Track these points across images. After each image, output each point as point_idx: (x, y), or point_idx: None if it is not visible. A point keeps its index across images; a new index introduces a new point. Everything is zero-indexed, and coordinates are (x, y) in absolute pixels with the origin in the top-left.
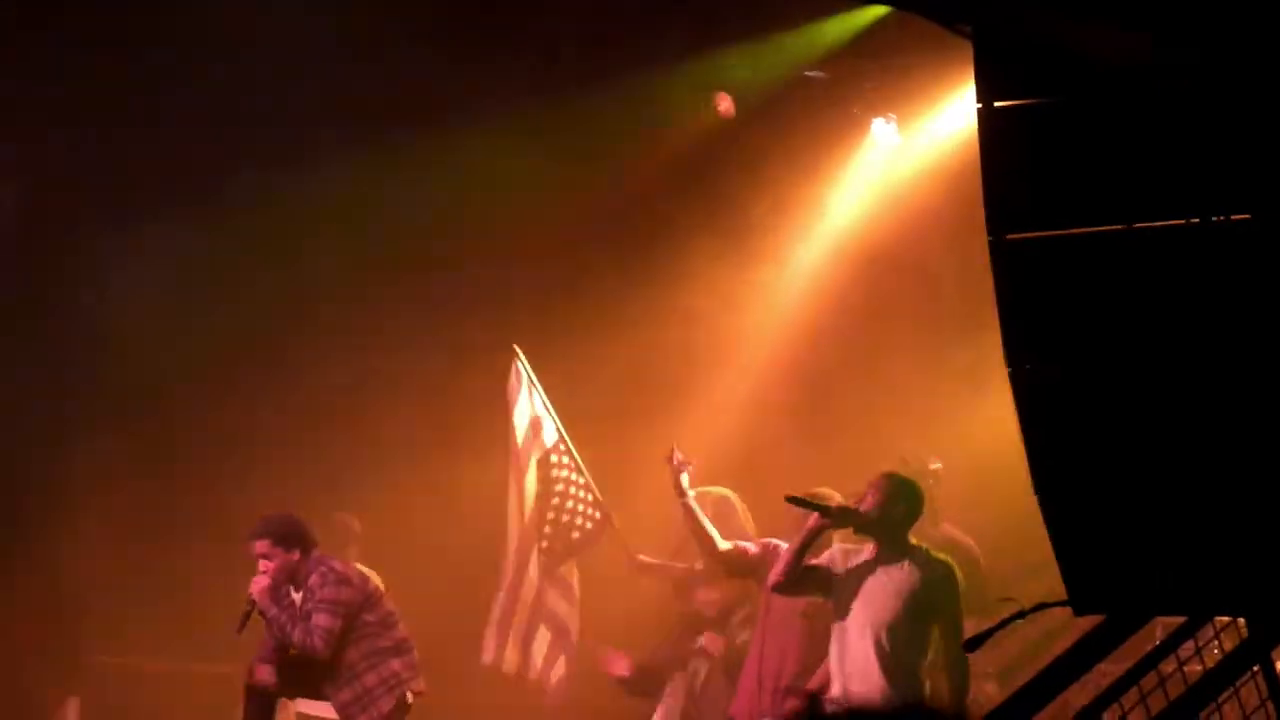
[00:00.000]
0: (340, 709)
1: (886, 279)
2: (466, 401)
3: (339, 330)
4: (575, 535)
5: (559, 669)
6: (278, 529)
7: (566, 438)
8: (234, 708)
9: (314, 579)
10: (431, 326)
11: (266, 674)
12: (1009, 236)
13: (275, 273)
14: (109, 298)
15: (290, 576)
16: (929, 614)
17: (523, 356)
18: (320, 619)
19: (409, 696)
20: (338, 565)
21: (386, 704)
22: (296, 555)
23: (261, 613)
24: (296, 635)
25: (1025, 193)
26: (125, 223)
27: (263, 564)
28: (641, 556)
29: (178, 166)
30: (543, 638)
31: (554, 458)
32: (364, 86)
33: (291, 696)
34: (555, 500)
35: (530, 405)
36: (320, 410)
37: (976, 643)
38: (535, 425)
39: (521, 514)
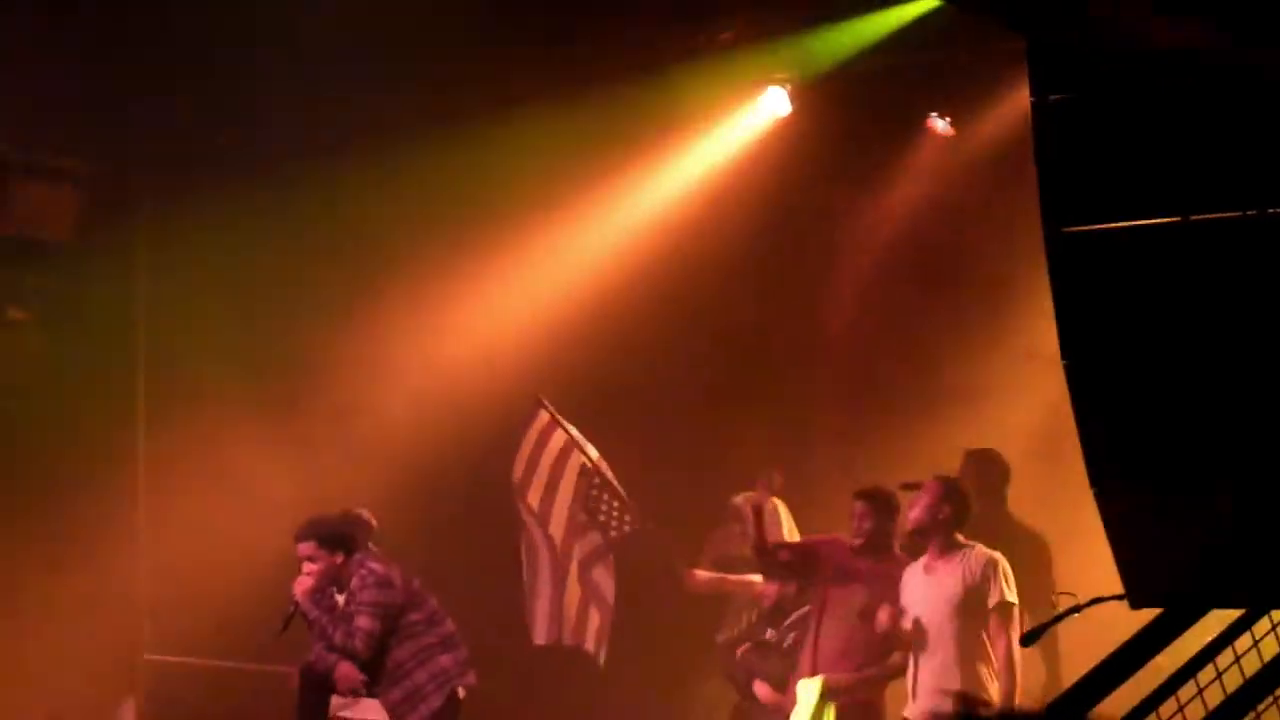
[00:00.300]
0: (390, 708)
1: (944, 273)
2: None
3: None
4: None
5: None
6: (323, 531)
7: (599, 466)
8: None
9: (355, 581)
10: None
11: (350, 671)
12: (1065, 230)
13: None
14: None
15: (334, 579)
16: (979, 610)
17: (548, 403)
18: (362, 621)
19: (460, 692)
20: (379, 567)
21: (436, 700)
22: (340, 558)
23: (304, 614)
24: (338, 637)
25: (1081, 186)
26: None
27: (307, 565)
28: (698, 572)
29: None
30: (594, 612)
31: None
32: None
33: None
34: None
35: (549, 447)
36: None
37: (1033, 637)
38: (561, 458)
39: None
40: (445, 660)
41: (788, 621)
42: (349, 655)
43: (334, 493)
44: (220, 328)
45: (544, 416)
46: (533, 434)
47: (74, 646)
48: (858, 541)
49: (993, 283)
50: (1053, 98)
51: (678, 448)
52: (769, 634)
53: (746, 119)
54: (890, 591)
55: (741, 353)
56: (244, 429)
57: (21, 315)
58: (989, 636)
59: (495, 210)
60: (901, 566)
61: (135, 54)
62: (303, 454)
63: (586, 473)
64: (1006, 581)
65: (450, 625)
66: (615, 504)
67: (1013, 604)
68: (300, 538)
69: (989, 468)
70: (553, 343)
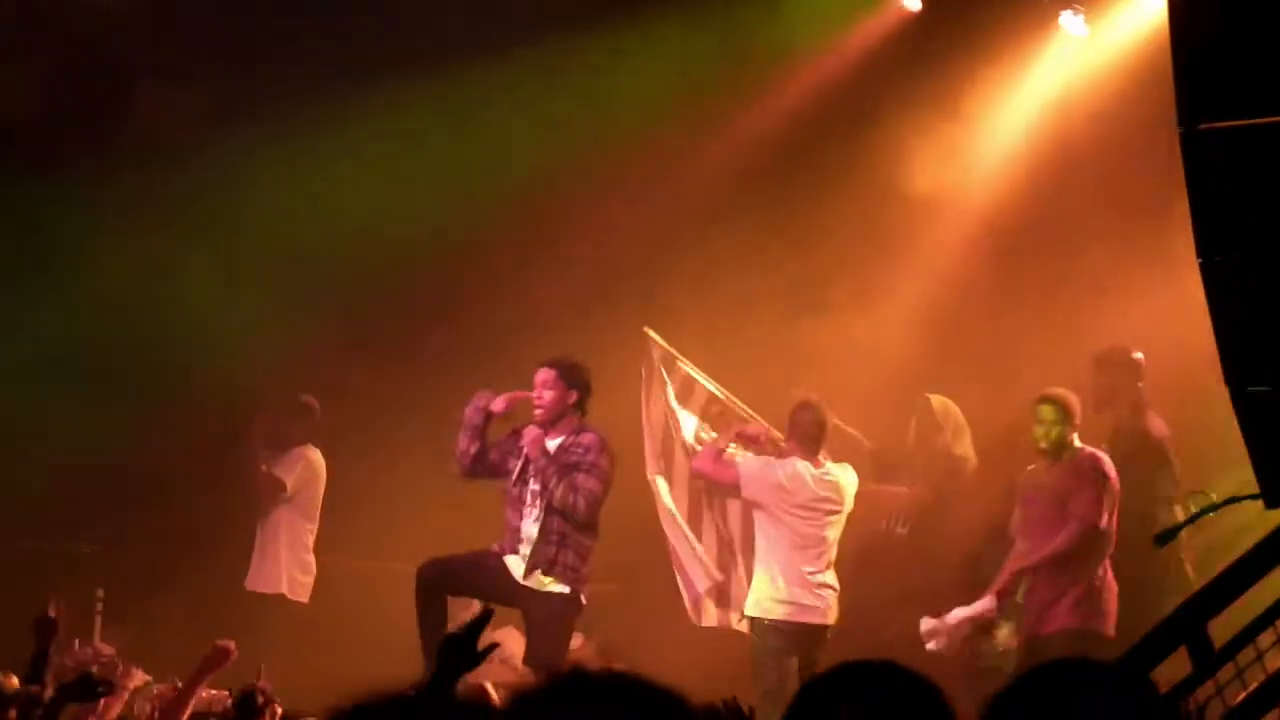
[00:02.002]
0: (529, 561)
1: (1079, 170)
2: None
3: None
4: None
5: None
6: (567, 364)
7: (719, 392)
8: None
9: (589, 438)
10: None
11: None
12: (1200, 127)
13: None
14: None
15: (555, 418)
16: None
17: (657, 337)
18: (590, 482)
19: (583, 599)
20: (605, 437)
21: (566, 583)
22: (574, 398)
23: (528, 459)
24: (560, 490)
25: (1218, 81)
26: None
27: (538, 393)
28: None
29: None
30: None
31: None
32: None
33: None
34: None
35: (671, 382)
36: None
37: (1167, 537)
38: (683, 394)
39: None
40: (582, 567)
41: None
42: (565, 511)
43: None
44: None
45: (657, 350)
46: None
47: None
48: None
49: (1127, 183)
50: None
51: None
52: None
53: (876, 15)
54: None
55: (857, 255)
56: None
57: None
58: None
59: (608, 128)
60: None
61: None
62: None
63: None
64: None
65: (596, 539)
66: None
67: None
68: (542, 363)
69: (1119, 367)
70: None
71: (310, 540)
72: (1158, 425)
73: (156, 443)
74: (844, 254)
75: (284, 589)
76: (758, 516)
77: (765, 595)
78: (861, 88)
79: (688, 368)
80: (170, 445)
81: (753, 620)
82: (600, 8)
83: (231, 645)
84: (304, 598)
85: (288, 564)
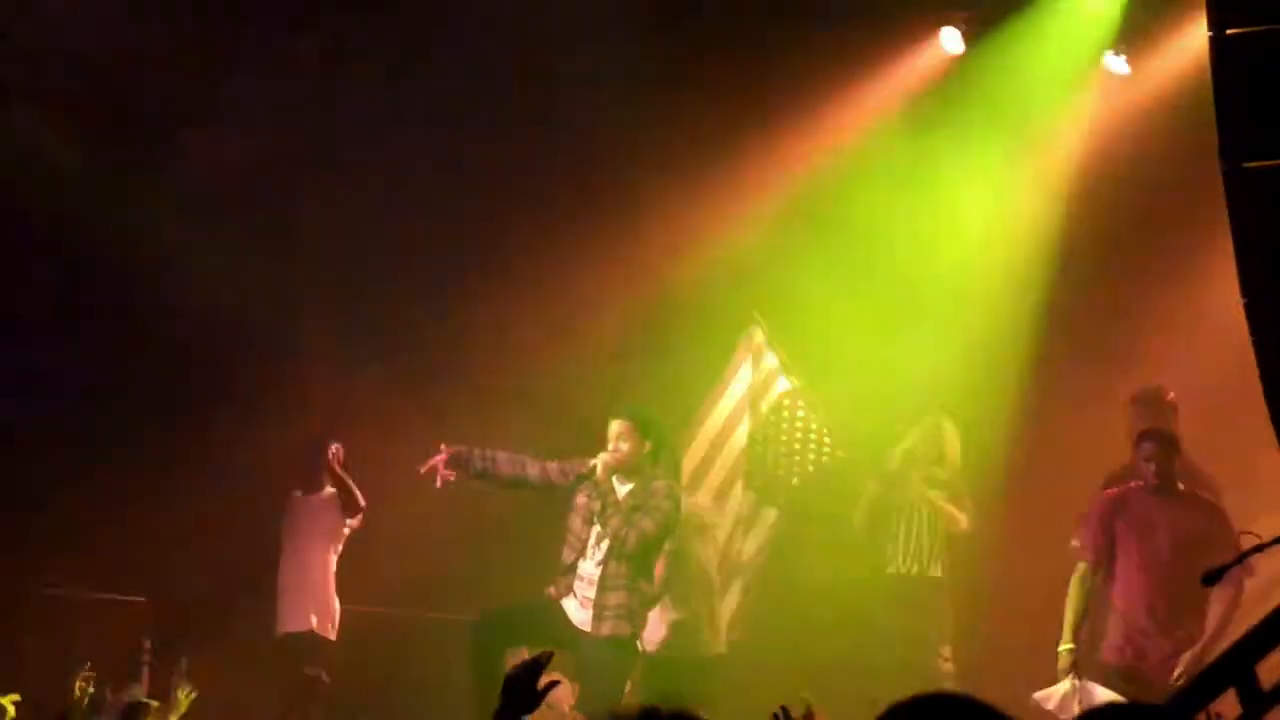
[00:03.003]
0: (596, 608)
1: (1122, 209)
2: None
3: None
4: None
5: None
6: (641, 416)
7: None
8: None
9: (658, 485)
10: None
11: None
12: (1244, 166)
13: None
14: None
15: (635, 466)
16: None
17: (761, 323)
18: (645, 521)
19: (640, 645)
20: (676, 486)
21: (625, 628)
22: (649, 447)
23: (596, 483)
24: (615, 522)
25: (1259, 121)
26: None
27: (614, 445)
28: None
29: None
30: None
31: (786, 401)
32: None
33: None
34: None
35: (755, 370)
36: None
37: (1214, 577)
38: (764, 384)
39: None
40: (641, 612)
41: None
42: (616, 545)
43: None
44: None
45: (758, 335)
46: (744, 354)
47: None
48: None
49: (1172, 222)
50: (1231, 32)
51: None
52: None
53: (920, 58)
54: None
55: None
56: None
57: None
58: None
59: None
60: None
61: None
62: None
63: (792, 395)
64: None
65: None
66: (821, 430)
67: None
68: (617, 414)
69: (1153, 406)
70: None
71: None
72: (1198, 463)
73: (198, 488)
74: (900, 284)
75: (313, 625)
76: None
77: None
78: (907, 129)
79: (774, 363)
80: (212, 491)
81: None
82: None
83: (323, 674)
84: (332, 635)
85: (315, 600)
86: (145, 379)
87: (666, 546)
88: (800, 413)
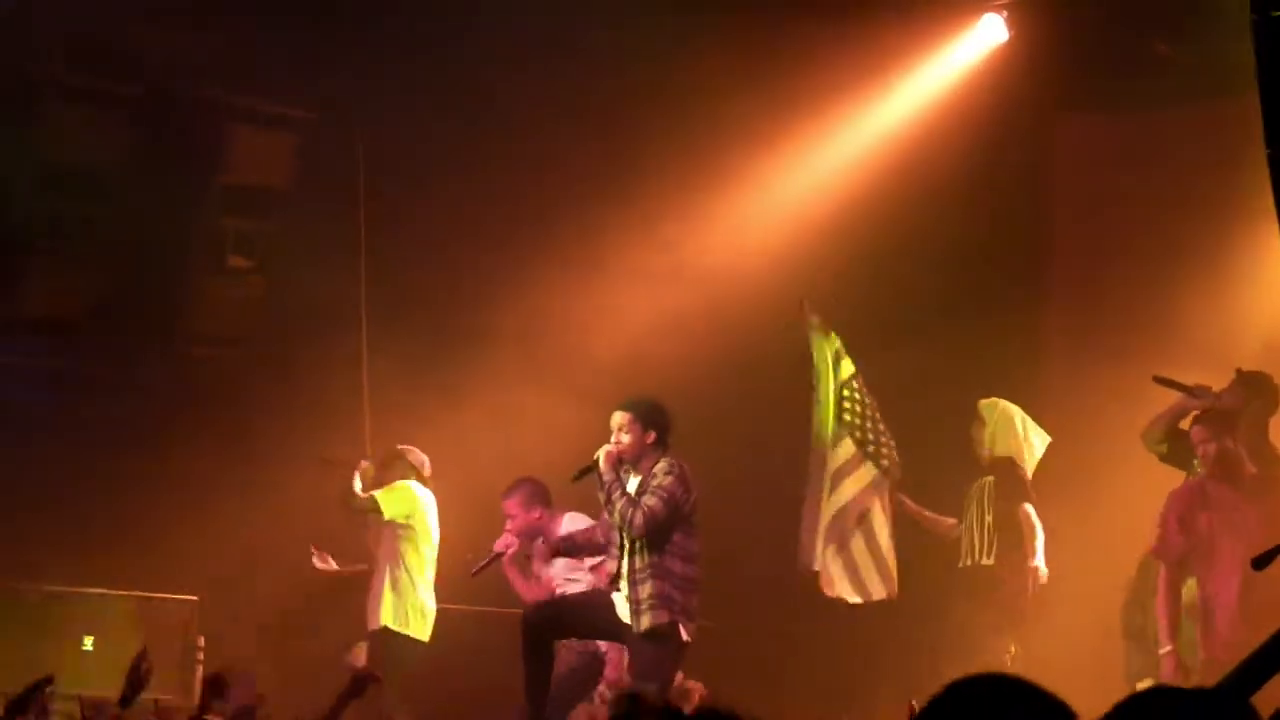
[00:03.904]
0: (633, 604)
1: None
2: None
3: None
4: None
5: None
6: (644, 408)
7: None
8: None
9: (661, 465)
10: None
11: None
12: (1274, 13)
13: None
14: None
15: (637, 456)
16: None
17: (812, 308)
18: (650, 499)
19: (684, 633)
20: (685, 465)
21: (662, 616)
22: (652, 438)
23: (599, 474)
24: (621, 504)
25: None
26: None
27: (615, 437)
28: (906, 500)
29: None
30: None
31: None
32: None
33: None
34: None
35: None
36: None
37: (1265, 561)
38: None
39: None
40: (679, 595)
41: None
42: (625, 524)
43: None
44: (441, 277)
45: (815, 320)
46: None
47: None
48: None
49: (1215, 205)
50: (1275, 14)
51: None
52: None
53: (963, 46)
54: None
55: (963, 277)
56: (469, 380)
57: (243, 263)
58: None
59: (702, 145)
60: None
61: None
62: (531, 399)
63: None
64: None
65: (699, 571)
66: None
67: None
68: (620, 407)
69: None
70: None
71: (418, 576)
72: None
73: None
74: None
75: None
76: None
77: None
78: (953, 116)
79: (830, 354)
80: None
81: None
82: None
83: (376, 673)
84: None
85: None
86: (189, 381)
87: (694, 519)
88: (866, 399)
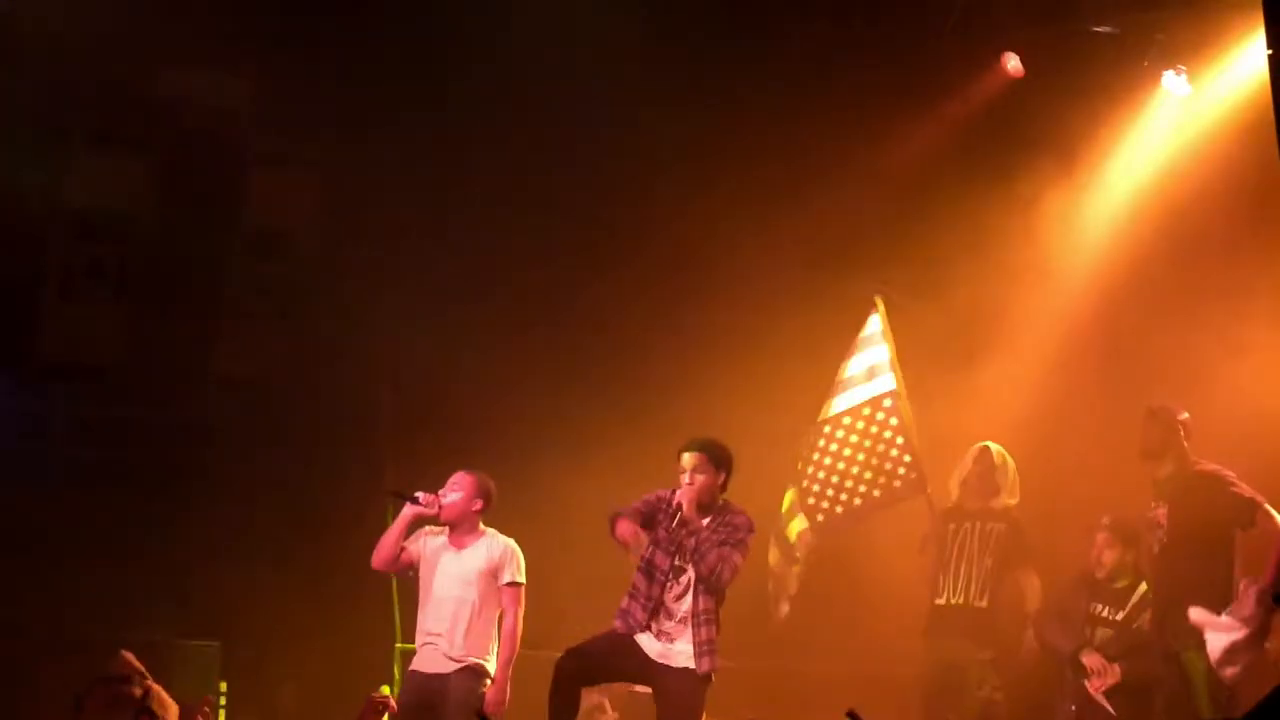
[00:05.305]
0: (696, 646)
1: (1186, 229)
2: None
3: None
4: (879, 491)
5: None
6: (715, 448)
7: (902, 395)
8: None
9: (741, 519)
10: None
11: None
12: None
13: None
14: None
15: (708, 501)
16: None
17: (882, 307)
18: (736, 556)
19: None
20: (754, 522)
21: (706, 665)
22: (722, 479)
23: (685, 522)
24: (712, 557)
25: None
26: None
27: (689, 477)
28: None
29: None
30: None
31: (885, 404)
32: None
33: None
34: (864, 451)
35: (871, 355)
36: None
37: None
38: (870, 373)
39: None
40: (716, 641)
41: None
42: (711, 579)
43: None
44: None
45: (876, 322)
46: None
47: (330, 634)
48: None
49: (1233, 241)
50: None
51: None
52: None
53: (982, 82)
54: None
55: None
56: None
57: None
58: None
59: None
60: None
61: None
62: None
63: (892, 399)
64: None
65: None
66: (906, 446)
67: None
68: (688, 447)
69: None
70: None
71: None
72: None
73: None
74: (954, 315)
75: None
76: None
77: None
78: (964, 153)
79: (883, 356)
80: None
81: None
82: None
83: (391, 699)
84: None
85: None
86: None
87: None
88: (893, 420)
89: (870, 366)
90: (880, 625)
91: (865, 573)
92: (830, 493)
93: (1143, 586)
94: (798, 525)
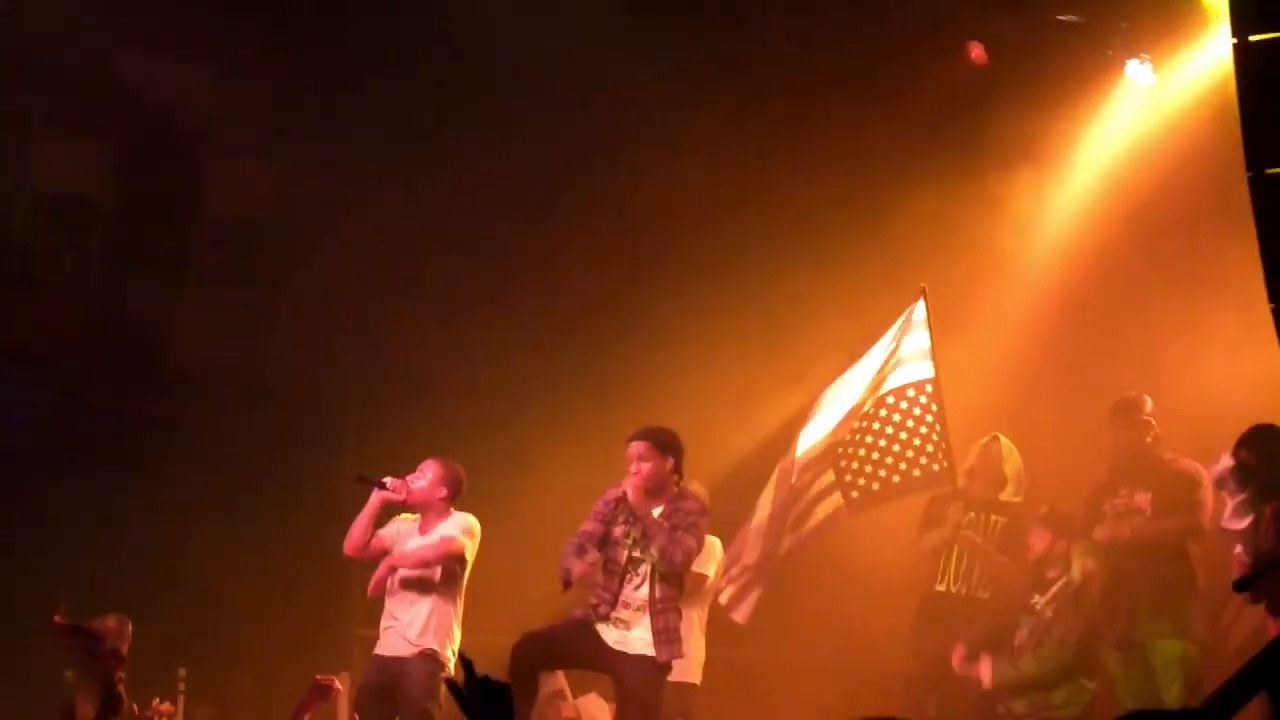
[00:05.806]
0: (655, 634)
1: (1144, 222)
2: None
3: None
4: (902, 478)
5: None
6: (660, 435)
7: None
8: None
9: (689, 503)
10: None
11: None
12: (1269, 171)
13: None
14: None
15: (657, 487)
16: None
17: (925, 299)
18: (688, 538)
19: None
20: (709, 506)
21: (678, 651)
22: (670, 465)
23: (632, 510)
24: (660, 540)
25: None
26: None
27: (635, 466)
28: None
29: None
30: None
31: (927, 389)
32: None
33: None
34: (906, 431)
35: (918, 339)
36: None
37: (1246, 584)
38: (921, 354)
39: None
40: (678, 631)
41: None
42: (665, 561)
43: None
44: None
45: (920, 310)
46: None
47: (287, 620)
48: None
49: (1198, 229)
50: (1254, 38)
51: None
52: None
53: (946, 71)
54: None
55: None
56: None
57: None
58: None
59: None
60: None
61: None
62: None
63: (933, 385)
64: None
65: None
66: (938, 442)
67: None
68: (635, 437)
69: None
70: None
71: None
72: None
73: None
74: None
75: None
76: None
77: None
78: (927, 141)
79: (923, 344)
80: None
81: None
82: None
83: (335, 682)
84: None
85: None
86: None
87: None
88: (934, 406)
89: (920, 349)
90: (867, 614)
91: (851, 561)
92: (869, 469)
93: (1066, 579)
94: (827, 507)
